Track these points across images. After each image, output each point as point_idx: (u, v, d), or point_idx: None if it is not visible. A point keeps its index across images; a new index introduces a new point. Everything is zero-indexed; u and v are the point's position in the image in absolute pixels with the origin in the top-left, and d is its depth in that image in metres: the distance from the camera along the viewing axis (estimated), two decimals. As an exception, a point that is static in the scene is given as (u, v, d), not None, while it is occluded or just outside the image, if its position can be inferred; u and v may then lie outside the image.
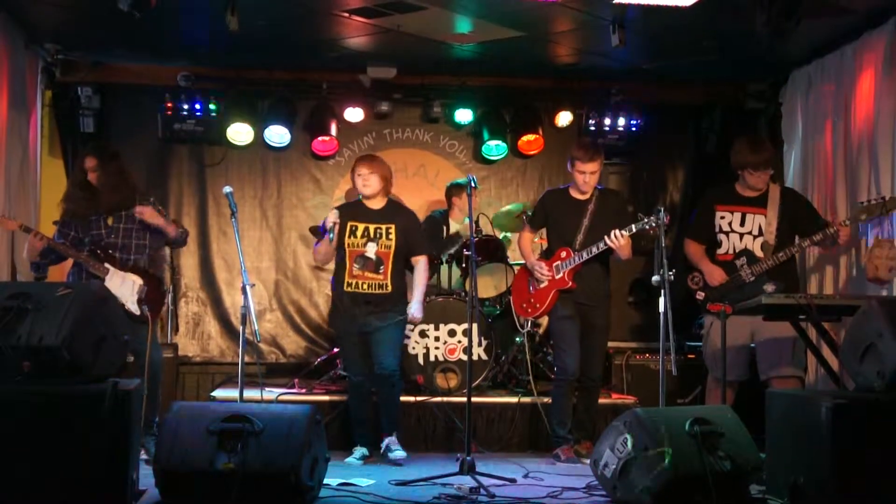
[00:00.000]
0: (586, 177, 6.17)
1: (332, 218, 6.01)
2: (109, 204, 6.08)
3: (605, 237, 5.97)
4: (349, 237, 6.09)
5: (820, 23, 6.38)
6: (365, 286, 6.07)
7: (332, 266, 8.29)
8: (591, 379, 6.33)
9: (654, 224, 5.76)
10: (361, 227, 6.10)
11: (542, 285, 6.30)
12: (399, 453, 6.05)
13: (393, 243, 6.10)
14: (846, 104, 6.74)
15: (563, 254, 6.21)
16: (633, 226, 5.91)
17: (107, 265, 6.01)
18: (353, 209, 6.22)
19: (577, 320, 6.24)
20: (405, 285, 6.27)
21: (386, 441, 6.15)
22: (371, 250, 6.07)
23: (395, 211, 6.26)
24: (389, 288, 6.10)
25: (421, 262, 6.27)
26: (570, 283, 6.18)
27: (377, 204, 6.19)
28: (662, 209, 5.65)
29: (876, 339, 4.65)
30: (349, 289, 6.09)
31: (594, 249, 6.08)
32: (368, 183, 6.11)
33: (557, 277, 6.21)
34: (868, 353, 4.70)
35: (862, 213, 5.98)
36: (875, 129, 6.31)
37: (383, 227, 6.11)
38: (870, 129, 6.38)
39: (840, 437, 4.44)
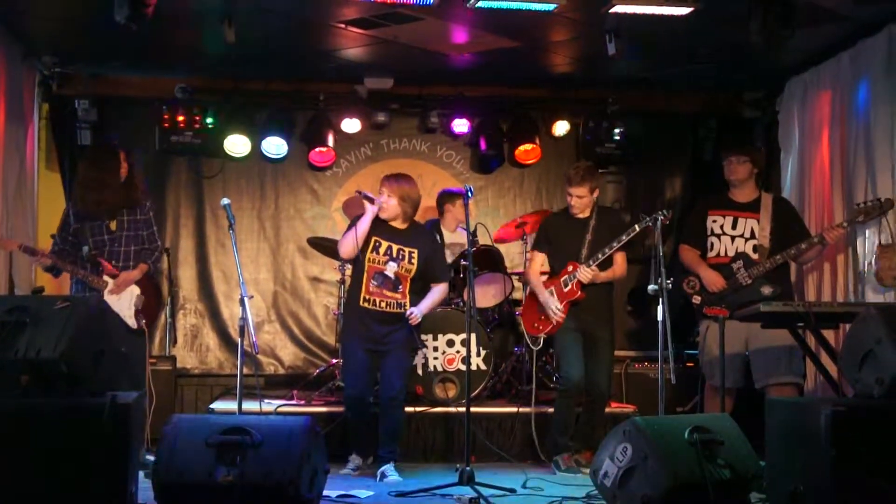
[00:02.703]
0: (573, 200, 6.25)
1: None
2: (120, 201, 6.12)
3: (611, 245, 6.07)
4: (371, 252, 5.95)
5: (815, 31, 6.39)
6: (383, 304, 5.96)
7: (329, 276, 8.40)
8: (599, 393, 6.32)
9: (647, 224, 5.82)
10: (385, 244, 5.97)
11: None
12: (394, 478, 5.86)
13: (414, 268, 5.98)
14: (842, 112, 6.76)
15: (570, 267, 6.22)
16: (624, 236, 6.06)
17: (105, 278, 6.01)
18: (376, 223, 6.00)
19: (581, 334, 6.24)
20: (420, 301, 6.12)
21: (382, 468, 5.95)
22: (391, 269, 5.93)
23: (418, 235, 6.12)
24: (407, 307, 5.98)
25: (442, 286, 6.14)
26: (580, 293, 6.18)
27: (401, 224, 6.06)
28: (662, 211, 5.70)
29: (874, 345, 4.65)
30: (366, 304, 5.96)
31: (599, 256, 6.13)
32: (385, 207, 5.96)
33: (566, 290, 6.21)
34: (867, 359, 4.70)
35: (859, 214, 6.01)
36: (871, 137, 6.32)
37: (406, 250, 5.98)
38: (866, 136, 6.40)
39: (840, 444, 4.44)
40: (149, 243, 6.26)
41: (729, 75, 7.81)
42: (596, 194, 6.30)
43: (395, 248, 5.97)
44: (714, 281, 6.22)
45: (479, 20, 6.55)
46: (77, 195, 6.18)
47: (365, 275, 5.95)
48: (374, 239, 5.96)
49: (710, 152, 8.50)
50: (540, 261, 6.49)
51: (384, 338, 5.97)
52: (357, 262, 5.99)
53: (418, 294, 6.08)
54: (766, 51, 6.09)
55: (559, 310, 6.22)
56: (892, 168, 6.13)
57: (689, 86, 8.22)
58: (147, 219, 6.28)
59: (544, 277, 6.46)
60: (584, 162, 6.62)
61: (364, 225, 5.90)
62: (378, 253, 5.95)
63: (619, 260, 6.28)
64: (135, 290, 6.10)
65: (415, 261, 5.98)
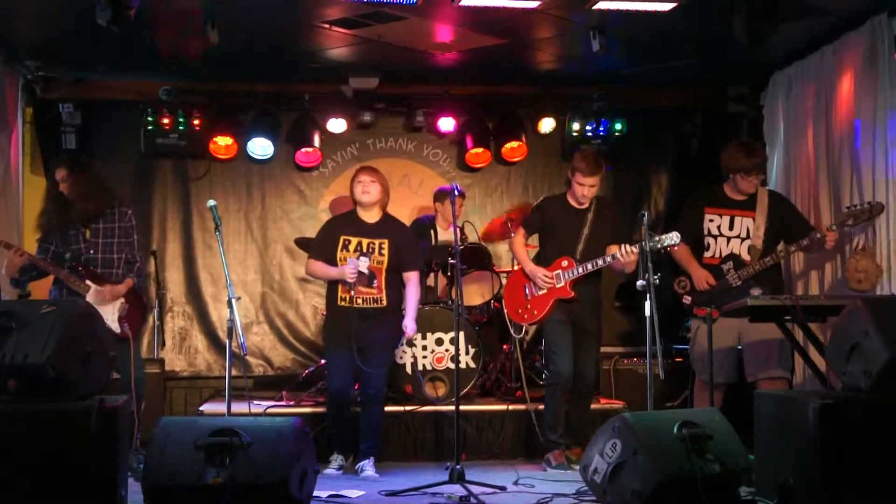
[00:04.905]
0: (585, 189, 6.16)
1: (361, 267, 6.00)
2: (82, 214, 6.07)
3: (618, 252, 5.96)
4: (342, 251, 6.03)
5: (799, 25, 6.40)
6: (359, 301, 6.01)
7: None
8: (584, 386, 6.32)
9: (672, 243, 5.75)
10: (354, 241, 6.04)
11: (541, 292, 6.25)
12: (368, 473, 5.94)
13: (385, 259, 6.04)
14: (827, 105, 6.78)
15: (565, 263, 6.19)
16: (650, 243, 5.62)
17: (88, 282, 5.99)
18: (346, 222, 6.17)
19: (570, 326, 6.23)
20: (400, 297, 6.17)
21: (360, 463, 6.03)
22: (363, 265, 5.99)
23: (389, 226, 6.18)
24: (384, 302, 6.05)
25: (413, 279, 6.19)
26: (572, 293, 6.17)
27: (372, 217, 6.14)
28: (674, 234, 5.70)
29: (861, 338, 4.67)
30: (343, 303, 6.02)
31: (599, 262, 6.08)
32: (369, 190, 6.06)
33: (559, 286, 6.19)
34: (854, 352, 4.72)
35: (848, 217, 5.99)
36: (856, 130, 6.34)
37: (376, 242, 6.05)
38: (851, 129, 6.42)
39: (828, 437, 4.45)
40: (128, 254, 6.20)
41: (713, 70, 7.83)
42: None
43: (364, 242, 6.05)
44: (701, 278, 6.20)
45: (464, 18, 6.55)
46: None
47: None
48: (342, 238, 6.05)
49: (696, 147, 8.53)
50: (523, 238, 6.44)
51: (365, 334, 5.99)
52: (330, 263, 6.07)
53: (396, 287, 6.12)
54: (750, 46, 6.09)
55: (548, 277, 6.18)
56: (873, 161, 6.14)
57: (674, 81, 8.23)
58: (127, 227, 6.21)
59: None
60: (589, 150, 6.60)
61: (332, 274, 6.04)
62: (348, 251, 6.03)
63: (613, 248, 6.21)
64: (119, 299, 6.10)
65: (385, 252, 6.05)
